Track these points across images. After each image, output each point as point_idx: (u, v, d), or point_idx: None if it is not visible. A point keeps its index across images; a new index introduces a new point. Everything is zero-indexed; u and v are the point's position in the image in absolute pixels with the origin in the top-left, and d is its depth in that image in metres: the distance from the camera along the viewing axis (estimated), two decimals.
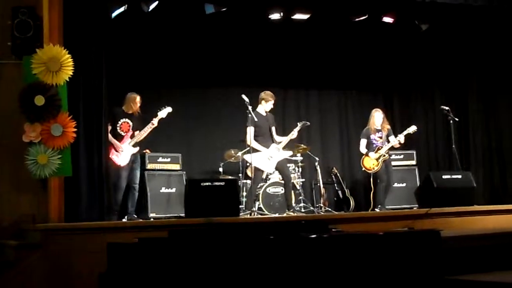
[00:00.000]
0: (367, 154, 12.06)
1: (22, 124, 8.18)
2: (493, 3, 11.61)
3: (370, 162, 11.97)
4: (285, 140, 11.43)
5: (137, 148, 10.80)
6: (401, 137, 12.12)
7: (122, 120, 10.77)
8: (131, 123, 10.81)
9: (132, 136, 10.74)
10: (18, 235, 8.02)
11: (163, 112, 11.01)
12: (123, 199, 10.66)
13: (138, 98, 10.92)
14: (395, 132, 12.54)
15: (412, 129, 12.23)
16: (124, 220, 10.53)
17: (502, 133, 13.02)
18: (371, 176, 12.13)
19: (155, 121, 10.85)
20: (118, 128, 10.70)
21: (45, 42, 8.42)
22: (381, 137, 12.10)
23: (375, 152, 11.95)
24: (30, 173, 8.14)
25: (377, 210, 11.66)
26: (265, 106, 11.36)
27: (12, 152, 8.31)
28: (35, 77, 8.24)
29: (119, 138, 10.67)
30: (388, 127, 12.37)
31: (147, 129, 10.83)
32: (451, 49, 13.59)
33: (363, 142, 12.25)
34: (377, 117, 12.26)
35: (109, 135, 10.41)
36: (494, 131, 13.16)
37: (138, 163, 10.99)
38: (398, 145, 12.29)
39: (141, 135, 10.79)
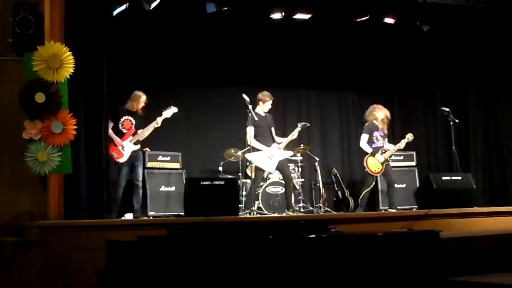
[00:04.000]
0: (373, 155, 11.84)
1: (22, 121, 8.17)
2: (494, 4, 11.61)
3: (375, 166, 11.77)
4: (284, 141, 11.42)
5: (138, 146, 10.78)
6: (403, 143, 11.98)
7: (124, 117, 10.78)
8: (133, 121, 10.81)
9: (134, 134, 10.73)
10: (17, 232, 8.01)
11: (168, 112, 11.00)
12: (128, 196, 10.65)
13: (143, 98, 10.91)
14: (394, 133, 12.51)
15: (410, 138, 12.04)
16: (130, 217, 10.53)
17: (502, 134, 13.02)
18: (374, 177, 12.05)
19: (159, 121, 10.85)
20: (120, 125, 10.70)
21: (46, 39, 8.43)
22: (382, 136, 11.96)
23: (381, 154, 11.78)
24: (29, 170, 8.13)
25: (392, 210, 11.54)
26: (263, 107, 11.36)
27: (12, 149, 8.30)
28: (36, 74, 8.23)
29: (121, 135, 10.67)
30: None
31: (150, 127, 10.82)
32: (452, 50, 13.59)
33: (364, 137, 11.94)
34: (382, 111, 12.09)
35: (111, 131, 10.44)
36: (494, 132, 13.16)
37: (141, 160, 10.97)
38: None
39: (143, 133, 10.78)
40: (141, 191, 10.88)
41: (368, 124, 12.08)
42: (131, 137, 10.69)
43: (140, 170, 10.88)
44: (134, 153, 10.73)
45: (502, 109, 13.05)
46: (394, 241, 5.30)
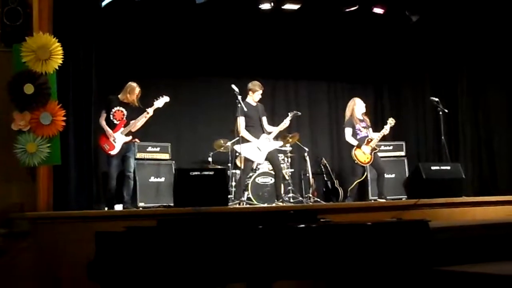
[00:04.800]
0: (359, 147, 11.85)
1: (11, 112, 8.16)
2: None
3: (364, 156, 11.78)
4: (276, 130, 11.40)
5: (130, 137, 10.70)
6: (387, 129, 12.02)
7: (116, 108, 10.67)
8: (125, 112, 10.72)
9: (125, 125, 10.66)
10: (6, 224, 8.01)
11: (160, 102, 10.87)
12: (118, 187, 10.62)
13: (137, 90, 10.81)
14: (384, 123, 12.53)
15: (392, 123, 12.08)
16: (119, 208, 10.51)
17: (492, 124, 13.08)
18: (364, 167, 12.06)
19: (150, 110, 10.71)
20: (111, 115, 10.61)
21: (34, 30, 8.42)
22: (365, 127, 11.98)
23: (367, 145, 11.82)
24: (19, 161, 8.13)
25: (382, 200, 11.56)
26: (254, 96, 11.32)
27: (0, 140, 8.29)
28: (24, 65, 8.23)
29: (113, 126, 10.58)
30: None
31: (141, 118, 10.72)
32: (441, 40, 13.62)
33: (348, 131, 11.90)
34: (360, 105, 12.08)
35: (103, 122, 10.40)
36: (484, 122, 13.22)
37: (132, 151, 10.87)
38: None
39: (134, 124, 10.71)
40: (132, 182, 10.81)
41: (348, 118, 12.07)
42: (122, 129, 10.63)
43: (131, 162, 10.80)
44: (125, 145, 10.65)
45: (492, 99, 13.12)
46: (383, 230, 5.31)
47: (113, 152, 10.49)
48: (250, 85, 11.34)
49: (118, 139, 10.54)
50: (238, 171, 11.89)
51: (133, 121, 10.64)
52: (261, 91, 11.34)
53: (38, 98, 8.21)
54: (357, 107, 11.97)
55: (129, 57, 12.50)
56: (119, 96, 10.74)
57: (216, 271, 4.66)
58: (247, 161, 11.26)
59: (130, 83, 10.81)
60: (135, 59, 12.59)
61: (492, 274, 5.45)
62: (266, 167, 12.16)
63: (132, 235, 4.97)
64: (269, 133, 11.31)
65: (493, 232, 6.87)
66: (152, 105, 10.78)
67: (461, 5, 12.09)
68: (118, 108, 10.68)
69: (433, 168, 10.75)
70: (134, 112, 10.75)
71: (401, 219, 6.32)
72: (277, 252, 4.78)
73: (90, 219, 7.90)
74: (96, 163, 9.64)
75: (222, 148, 12.46)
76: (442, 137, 12.00)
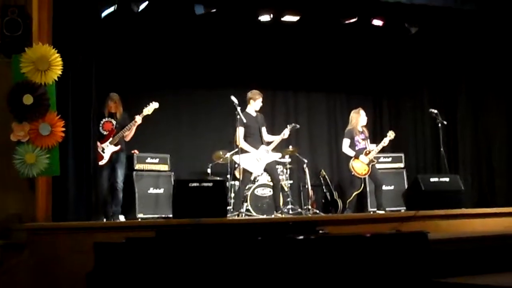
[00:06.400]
0: (357, 157, 11.88)
1: (10, 123, 8.15)
2: (483, 7, 11.63)
3: (362, 168, 11.81)
4: (274, 141, 11.40)
5: (119, 147, 10.67)
6: (386, 141, 12.06)
7: (104, 120, 10.69)
8: (114, 122, 10.73)
9: (114, 135, 10.65)
10: (4, 235, 7.98)
11: (149, 109, 10.81)
12: (106, 198, 10.61)
13: (115, 97, 10.82)
14: (383, 135, 12.54)
15: (391, 136, 12.12)
16: (122, 219, 10.51)
17: (491, 136, 13.06)
18: (362, 179, 12.07)
19: (138, 118, 10.66)
20: (101, 127, 10.60)
21: (34, 41, 8.40)
22: (363, 139, 12.01)
23: (365, 156, 11.84)
24: (17, 172, 8.11)
25: (381, 211, 11.56)
26: (254, 105, 11.32)
27: None
28: (23, 76, 8.22)
29: (102, 137, 10.58)
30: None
31: (131, 126, 10.71)
32: (440, 52, 13.64)
33: (346, 142, 12.02)
34: (363, 116, 12.16)
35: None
36: (483, 134, 13.20)
37: (121, 162, 10.83)
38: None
39: (123, 133, 10.69)
40: (121, 193, 10.77)
41: (348, 129, 12.16)
42: (111, 139, 10.62)
43: (120, 172, 10.77)
44: (114, 154, 10.64)
45: (491, 110, 13.09)
46: (382, 242, 5.31)
47: (102, 162, 10.49)
48: (249, 94, 11.34)
49: (106, 150, 10.55)
50: (237, 183, 11.88)
51: (123, 131, 10.64)
52: (261, 99, 11.33)
53: (37, 109, 8.19)
54: (361, 118, 12.04)
55: (128, 68, 12.53)
56: (103, 110, 10.72)
57: (215, 282, 4.66)
58: (246, 172, 11.25)
59: (110, 94, 10.83)
60: (135, 70, 12.62)
61: (492, 285, 5.44)
62: (265, 178, 12.16)
63: (131, 246, 4.97)
64: (268, 143, 11.30)
65: (492, 243, 6.86)
66: (141, 112, 10.76)
67: (460, 17, 12.08)
68: (106, 119, 10.70)
69: (432, 180, 10.73)
70: (123, 121, 10.75)
71: (400, 231, 6.33)
72: (276, 264, 4.78)
73: (89, 230, 7.88)
74: (95, 174, 9.62)
75: (221, 160, 12.47)
76: (441, 149, 11.98)
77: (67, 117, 8.70)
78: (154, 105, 10.87)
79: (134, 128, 10.74)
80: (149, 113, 10.83)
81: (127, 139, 10.77)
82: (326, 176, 13.86)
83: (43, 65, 8.25)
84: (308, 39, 13.86)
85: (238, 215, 10.93)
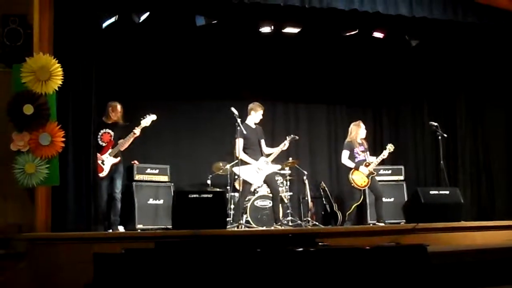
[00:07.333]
0: (357, 169, 11.86)
1: (10, 132, 8.15)
2: (483, 20, 11.63)
3: (362, 180, 11.78)
4: (274, 153, 11.39)
5: (118, 158, 10.66)
6: (385, 154, 12.06)
7: (102, 131, 10.65)
8: (112, 133, 10.71)
9: (113, 146, 10.63)
10: (4, 245, 7.97)
11: (147, 121, 10.77)
12: (107, 209, 10.59)
13: (118, 106, 10.81)
14: (382, 147, 12.54)
15: (391, 148, 12.12)
16: (121, 230, 10.49)
17: (490, 149, 13.07)
18: (361, 191, 12.05)
19: (137, 131, 10.64)
20: (99, 139, 10.56)
21: (35, 51, 8.42)
22: (363, 151, 12.00)
23: (366, 167, 11.81)
24: (17, 182, 8.11)
25: (381, 224, 11.54)
26: (254, 116, 11.32)
27: None
28: (24, 85, 8.23)
29: (101, 148, 10.54)
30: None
31: (129, 138, 10.67)
32: (440, 65, 13.66)
33: (345, 154, 11.98)
34: (363, 129, 12.15)
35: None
36: (482, 147, 13.20)
37: (120, 173, 10.82)
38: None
39: (122, 144, 10.67)
40: (119, 204, 10.74)
41: (347, 141, 12.13)
42: (110, 150, 10.59)
43: (118, 183, 10.75)
44: (114, 166, 10.64)
45: (490, 123, 13.10)
46: (382, 255, 5.30)
47: (102, 174, 10.47)
48: (251, 105, 11.35)
49: (106, 161, 10.53)
50: (236, 194, 11.85)
51: (121, 141, 10.62)
52: (261, 111, 11.34)
53: (38, 119, 8.20)
54: (361, 130, 12.03)
55: (129, 78, 12.51)
56: (103, 118, 10.70)
57: None
58: (246, 183, 11.23)
59: (109, 102, 10.82)
60: (135, 80, 12.61)
61: None
62: (265, 190, 12.14)
63: (130, 257, 4.97)
64: (267, 155, 11.30)
65: (492, 256, 6.86)
66: (139, 124, 10.73)
67: (460, 30, 12.09)
68: (104, 130, 10.67)
69: (431, 192, 10.73)
70: (121, 132, 10.72)
71: (400, 243, 6.32)
72: (275, 276, 4.76)
73: (88, 241, 7.88)
74: (94, 185, 9.61)
75: (221, 171, 12.45)
76: (441, 162, 11.97)
77: (67, 127, 8.71)
78: (152, 117, 10.85)
79: (131, 140, 10.71)
80: (147, 125, 10.80)
81: (122, 149, 10.72)
82: (326, 188, 13.83)
83: (43, 75, 8.26)
84: (308, 51, 13.87)
85: (237, 227, 10.90)
